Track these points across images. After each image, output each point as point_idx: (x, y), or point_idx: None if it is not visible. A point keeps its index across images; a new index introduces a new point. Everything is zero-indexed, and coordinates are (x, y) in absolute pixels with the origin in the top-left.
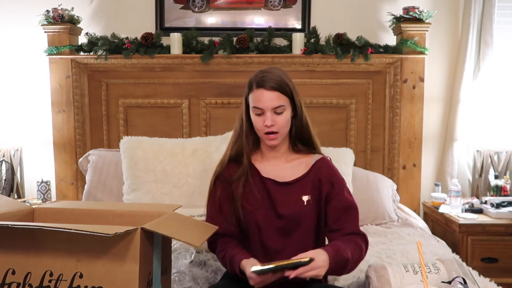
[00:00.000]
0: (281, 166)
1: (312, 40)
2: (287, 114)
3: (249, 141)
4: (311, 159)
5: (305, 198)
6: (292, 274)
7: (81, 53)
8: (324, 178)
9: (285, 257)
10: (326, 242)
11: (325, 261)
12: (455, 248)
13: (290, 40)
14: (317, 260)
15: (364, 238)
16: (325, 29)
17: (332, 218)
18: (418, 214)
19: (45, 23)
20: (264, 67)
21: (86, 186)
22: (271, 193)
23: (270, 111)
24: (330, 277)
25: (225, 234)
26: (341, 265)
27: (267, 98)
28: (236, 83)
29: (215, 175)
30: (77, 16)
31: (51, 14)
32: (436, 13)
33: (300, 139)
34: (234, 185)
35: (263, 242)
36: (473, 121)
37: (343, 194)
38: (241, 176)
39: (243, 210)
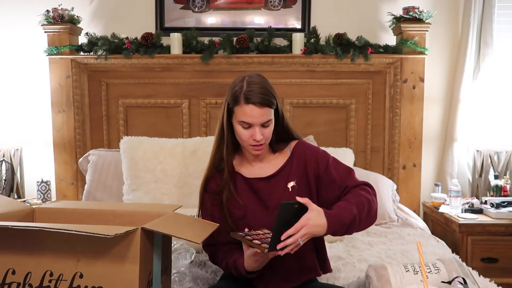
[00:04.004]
0: (263, 165)
1: (312, 40)
2: (273, 124)
3: (229, 148)
4: (288, 147)
5: (290, 184)
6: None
7: (81, 53)
8: (308, 158)
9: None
10: None
11: (318, 219)
12: (455, 248)
13: (290, 40)
14: (310, 217)
15: (368, 185)
16: (325, 29)
17: (335, 192)
18: (418, 214)
19: (45, 23)
20: (266, 67)
21: (86, 186)
22: (258, 191)
23: (259, 125)
24: (330, 277)
25: (223, 244)
26: (344, 223)
27: (258, 114)
28: None
29: (202, 188)
30: (77, 16)
31: (51, 14)
32: (436, 13)
33: (280, 140)
34: (221, 195)
35: None
36: (473, 121)
37: (330, 167)
38: (225, 185)
39: (234, 217)
